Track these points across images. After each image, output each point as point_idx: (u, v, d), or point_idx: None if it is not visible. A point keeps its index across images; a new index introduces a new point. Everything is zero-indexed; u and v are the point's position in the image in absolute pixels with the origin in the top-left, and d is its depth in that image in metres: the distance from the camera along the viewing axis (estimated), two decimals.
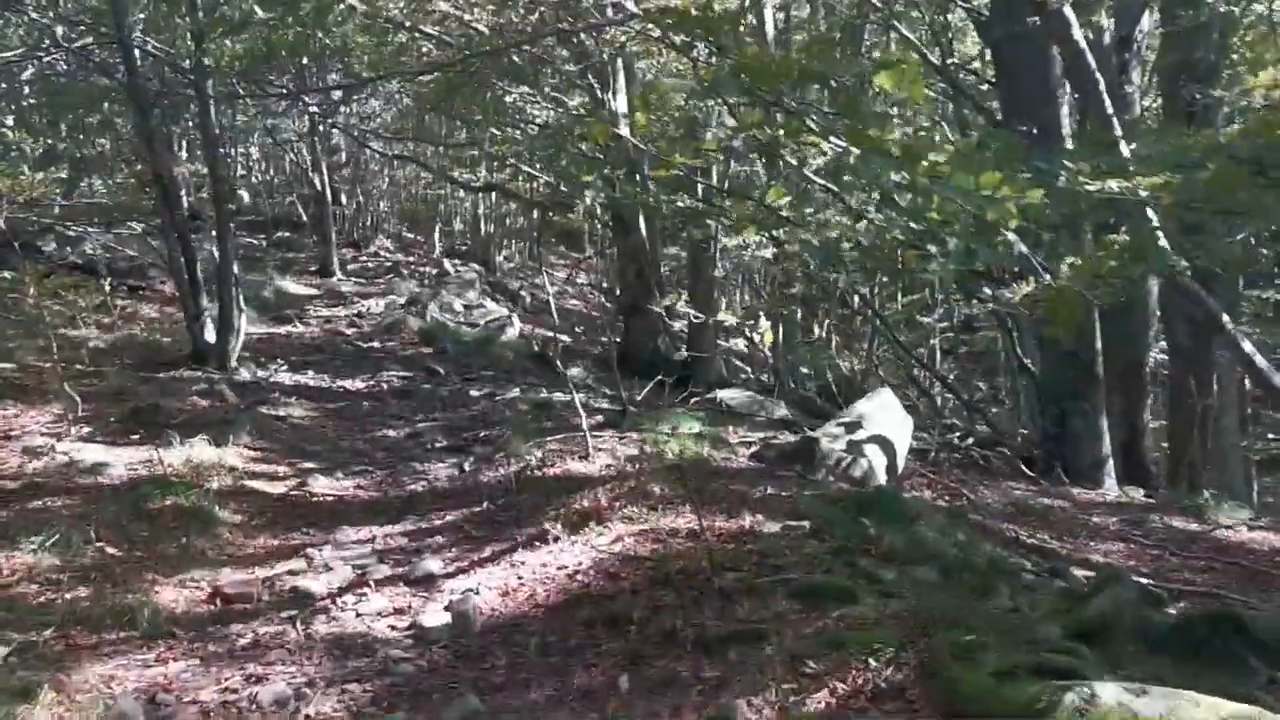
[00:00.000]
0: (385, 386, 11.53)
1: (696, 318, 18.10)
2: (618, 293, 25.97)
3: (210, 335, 11.13)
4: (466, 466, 8.44)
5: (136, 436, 8.71)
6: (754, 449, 8.93)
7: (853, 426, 9.23)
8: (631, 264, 17.55)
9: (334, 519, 7.40)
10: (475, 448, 8.94)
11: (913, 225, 4.58)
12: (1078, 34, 6.69)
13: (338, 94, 20.09)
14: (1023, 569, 6.00)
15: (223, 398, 10.02)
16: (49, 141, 13.18)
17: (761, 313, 18.70)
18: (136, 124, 10.91)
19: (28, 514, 6.75)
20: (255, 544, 6.82)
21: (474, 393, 11.49)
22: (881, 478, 8.17)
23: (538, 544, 6.32)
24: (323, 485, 8.12)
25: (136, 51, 10.71)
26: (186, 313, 11.11)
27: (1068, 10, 6.51)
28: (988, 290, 8.67)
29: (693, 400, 15.22)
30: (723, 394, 15.08)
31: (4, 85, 11.82)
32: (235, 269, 11.18)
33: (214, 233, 11.41)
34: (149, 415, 9.14)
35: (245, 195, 25.04)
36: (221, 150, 26.25)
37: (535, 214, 27.07)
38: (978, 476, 9.44)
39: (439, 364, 12.77)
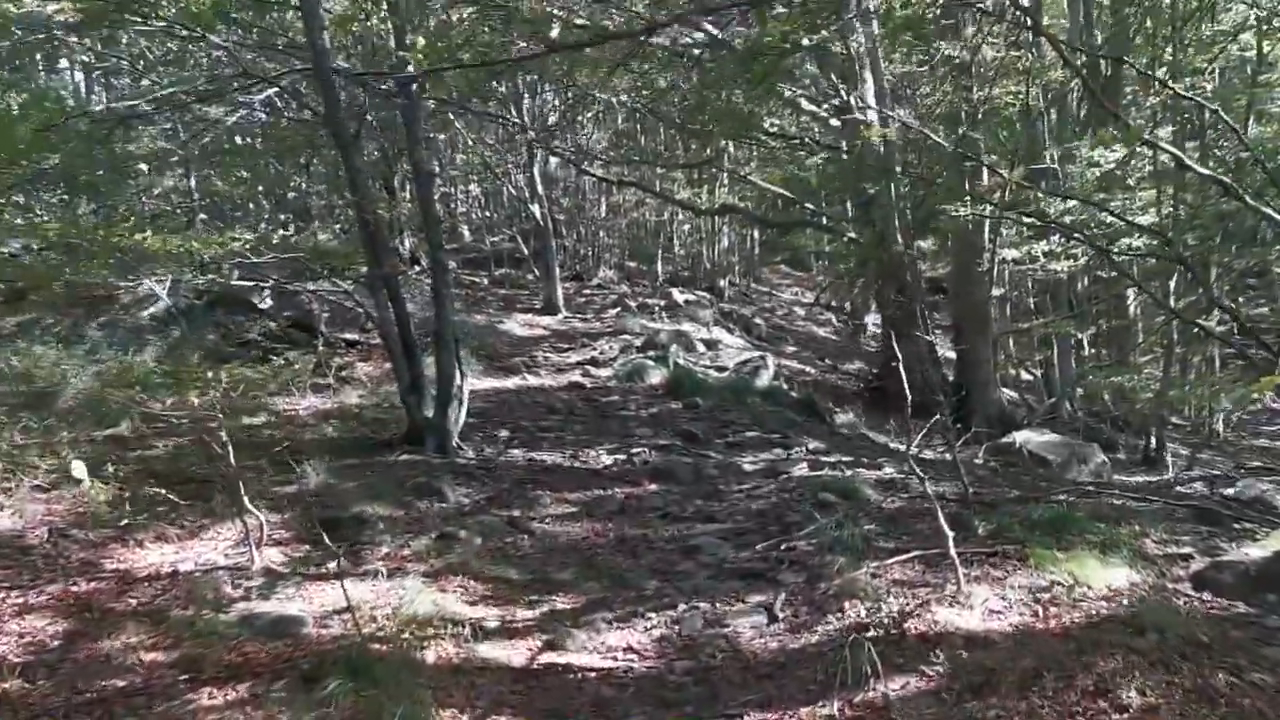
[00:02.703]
0: (637, 461, 8.73)
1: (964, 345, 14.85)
2: (848, 310, 22.80)
3: (429, 408, 8.62)
4: (778, 610, 5.47)
5: (334, 567, 6.17)
6: (1192, 567, 5.64)
7: None
8: (890, 282, 14.30)
9: (601, 714, 4.60)
10: (781, 572, 5.96)
11: None
12: None
13: (552, 115, 17.74)
14: None
15: (443, 495, 7.42)
16: (259, 190, 10.96)
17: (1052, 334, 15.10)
18: (343, 161, 8.45)
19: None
20: None
21: (747, 466, 8.55)
22: None
23: None
24: (581, 644, 5.33)
25: (334, 75, 8.32)
26: (400, 383, 8.64)
27: None
28: None
29: (985, 445, 11.96)
30: (1022, 438, 11.70)
31: (195, 133, 9.65)
32: (455, 330, 8.61)
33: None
34: (352, 531, 6.62)
35: (466, 232, 23.11)
36: (442, 187, 24.72)
37: (758, 234, 24.20)
38: None
39: (693, 423, 9.91)
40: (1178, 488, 9.52)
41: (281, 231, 10.12)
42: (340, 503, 7.12)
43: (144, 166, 11.49)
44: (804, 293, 25.10)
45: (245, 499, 6.23)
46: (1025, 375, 17.31)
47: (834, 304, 23.71)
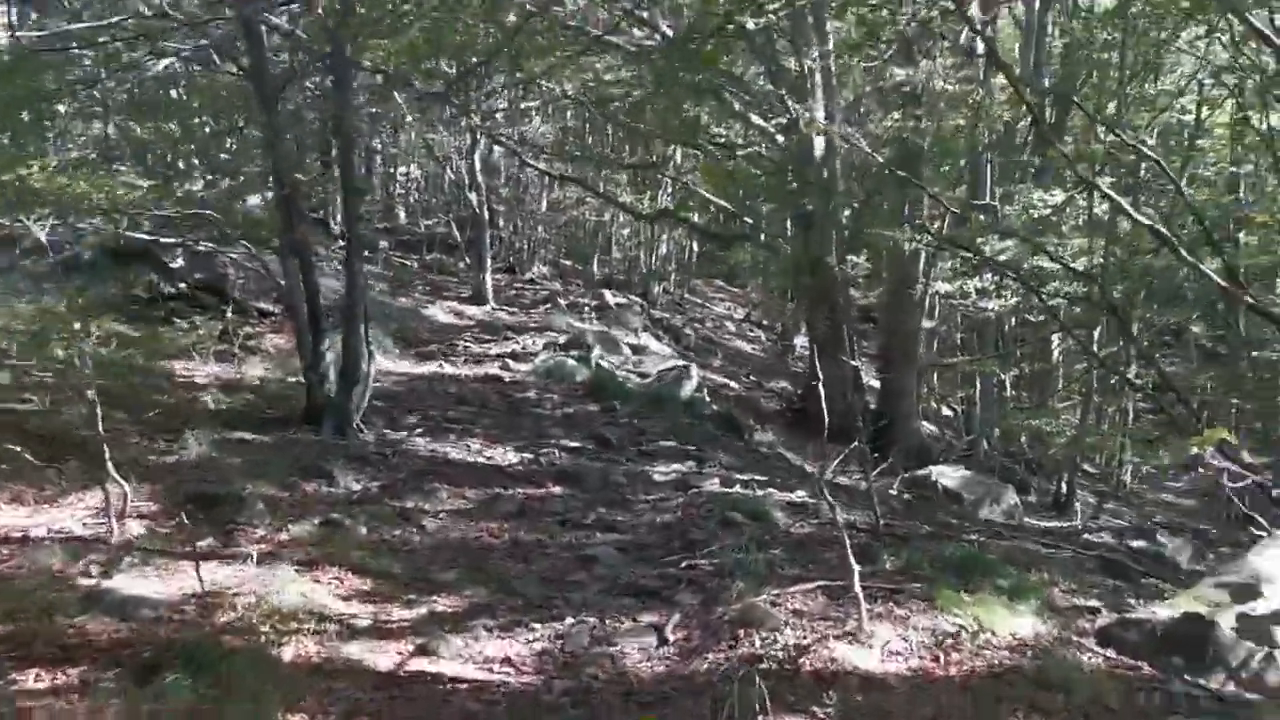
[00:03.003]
0: (545, 462, 8.33)
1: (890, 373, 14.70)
2: (778, 330, 22.63)
3: (331, 387, 8.13)
4: (670, 633, 5.12)
5: (203, 545, 5.68)
6: (1098, 622, 5.43)
7: (1246, 593, 5.71)
8: (822, 304, 14.06)
9: None
10: (678, 592, 5.61)
11: None
12: None
13: (501, 106, 17.26)
14: None
15: (333, 479, 6.95)
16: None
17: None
18: (264, 117, 7.92)
19: None
20: None
21: (658, 476, 8.20)
22: None
23: None
24: (456, 651, 4.92)
25: (264, 28, 7.82)
26: (303, 358, 8.14)
27: None
28: None
29: (901, 476, 11.80)
30: (938, 472, 11.55)
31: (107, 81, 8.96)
32: (367, 308, 8.13)
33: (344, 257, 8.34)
34: (229, 510, 6.12)
35: (402, 214, 22.48)
36: (383, 168, 24.02)
37: (696, 245, 23.95)
38: None
39: (609, 429, 9.53)
40: (1086, 535, 9.41)
41: (188, 187, 9.43)
42: (221, 478, 6.61)
43: (60, 108, 10.74)
44: (736, 308, 24.88)
45: (110, 464, 5.71)
46: (945, 410, 17.27)
47: (765, 322, 23.53)
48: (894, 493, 11.06)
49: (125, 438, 6.98)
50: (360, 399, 8.22)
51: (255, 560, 5.52)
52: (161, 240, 11.29)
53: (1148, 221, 7.07)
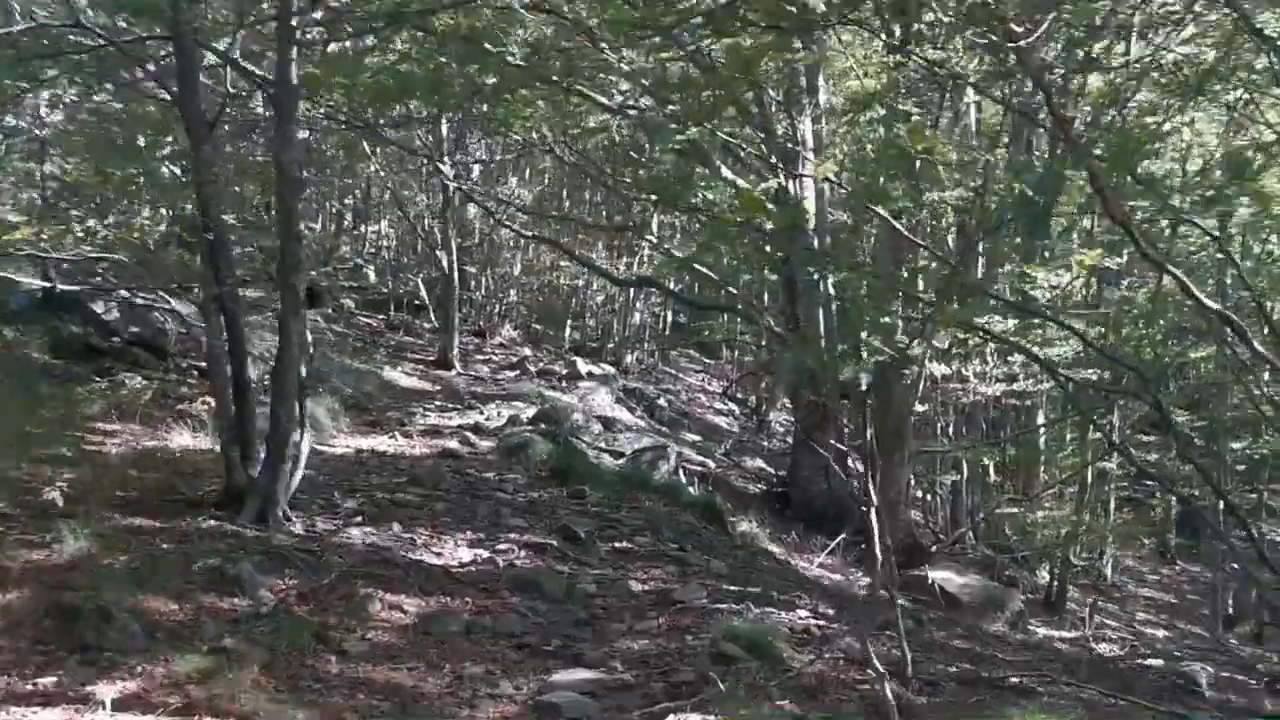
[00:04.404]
0: (501, 562, 6.88)
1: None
2: (755, 406, 21.33)
3: (254, 465, 6.69)
4: None
5: (45, 683, 4.21)
6: None
7: None
8: (809, 381, 12.74)
9: None
10: None
11: None
12: None
13: (475, 164, 16.07)
14: None
15: (240, 587, 5.47)
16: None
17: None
18: (191, 151, 6.59)
19: None
20: None
21: (634, 585, 6.77)
22: None
23: None
24: None
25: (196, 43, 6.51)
26: (223, 430, 6.71)
27: None
28: None
29: (894, 575, 10.48)
30: (939, 576, 10.26)
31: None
32: (300, 374, 6.71)
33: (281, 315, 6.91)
34: (90, 631, 4.63)
35: (371, 273, 21.10)
36: (358, 228, 22.70)
37: (671, 315, 22.78)
38: None
39: (577, 519, 8.11)
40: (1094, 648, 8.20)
41: (91, 225, 8.01)
42: (94, 585, 5.12)
43: None
44: (710, 380, 23.64)
45: None
46: (920, 493, 16.04)
47: (739, 395, 22.26)
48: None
49: None
50: (289, 479, 6.77)
51: (108, 708, 4.05)
52: (91, 289, 9.91)
53: (1215, 305, 5.87)
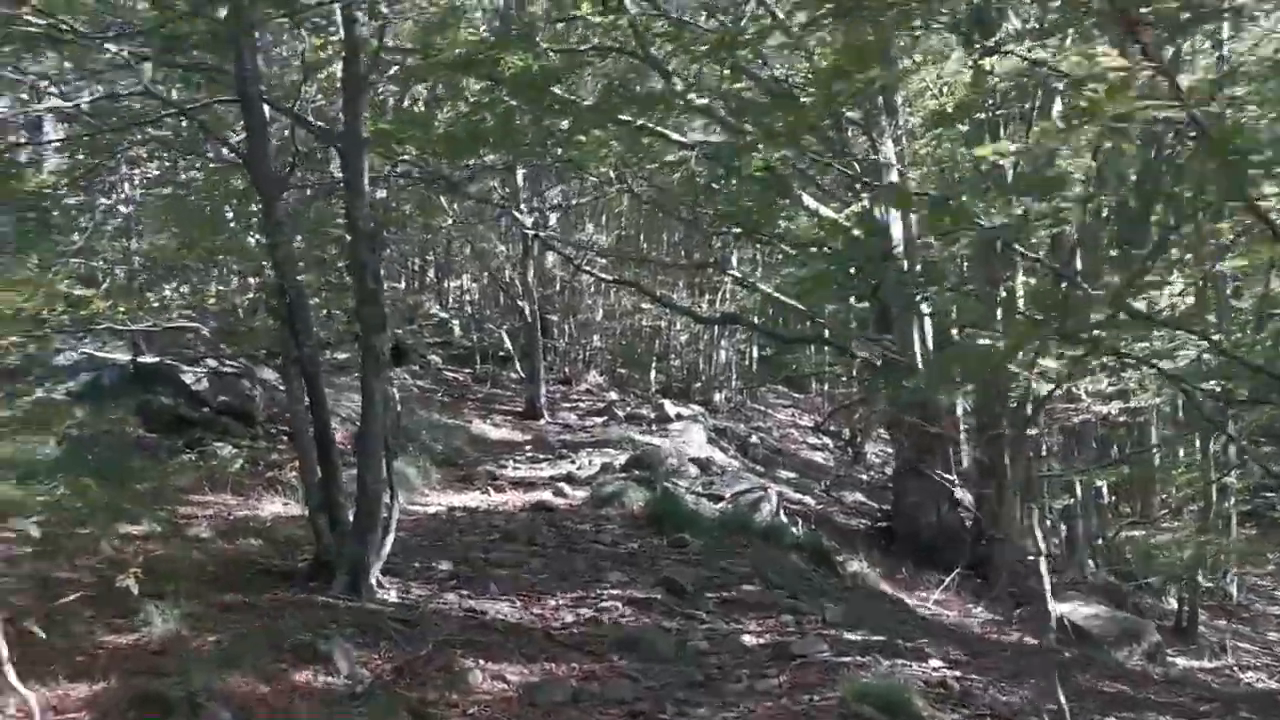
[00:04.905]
0: (606, 621, 6.44)
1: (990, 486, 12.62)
2: (850, 438, 20.58)
3: (344, 533, 6.37)
4: None
5: None
6: None
7: None
8: (913, 411, 12.07)
9: None
10: None
11: None
12: None
13: (552, 213, 15.88)
14: None
15: (332, 664, 5.11)
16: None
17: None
18: (264, 212, 6.39)
19: None
20: None
21: (749, 639, 6.25)
22: None
23: None
24: None
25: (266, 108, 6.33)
26: (309, 498, 6.42)
27: None
28: None
29: (1016, 610, 9.81)
30: (1063, 608, 9.47)
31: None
32: (389, 437, 6.41)
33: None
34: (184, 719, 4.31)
35: (456, 327, 21.05)
36: (441, 283, 22.74)
37: (757, 351, 22.27)
38: None
39: (680, 569, 7.63)
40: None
41: (170, 292, 7.90)
42: (183, 669, 4.81)
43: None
44: (800, 414, 22.97)
45: (9, 671, 3.95)
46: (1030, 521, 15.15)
47: (832, 428, 21.55)
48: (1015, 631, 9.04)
49: (75, 615, 5.24)
50: (379, 544, 6.45)
51: None
52: (173, 361, 9.86)
53: None
